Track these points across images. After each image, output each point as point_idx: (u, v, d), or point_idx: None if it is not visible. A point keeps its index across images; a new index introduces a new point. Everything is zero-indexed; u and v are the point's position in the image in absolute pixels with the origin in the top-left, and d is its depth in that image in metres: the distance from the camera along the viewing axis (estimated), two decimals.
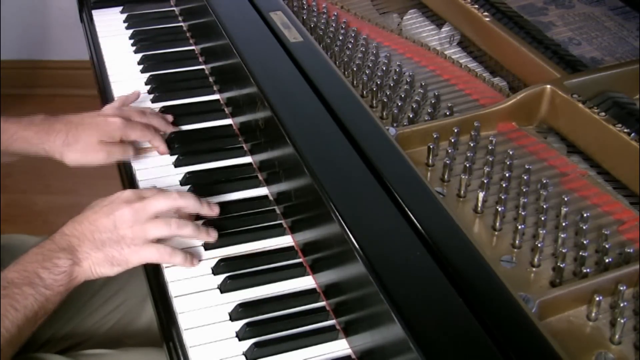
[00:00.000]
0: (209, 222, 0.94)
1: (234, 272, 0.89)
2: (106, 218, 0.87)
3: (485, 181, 0.86)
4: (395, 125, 0.96)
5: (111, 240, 0.86)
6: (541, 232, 0.80)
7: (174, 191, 0.92)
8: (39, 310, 0.82)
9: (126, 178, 1.08)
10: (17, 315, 0.80)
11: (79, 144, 1.04)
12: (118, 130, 1.05)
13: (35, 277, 0.82)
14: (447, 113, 0.98)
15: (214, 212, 0.93)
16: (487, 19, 1.12)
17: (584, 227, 0.80)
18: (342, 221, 0.76)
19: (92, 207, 0.91)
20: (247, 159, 1.08)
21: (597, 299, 0.72)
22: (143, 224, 0.87)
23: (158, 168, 1.06)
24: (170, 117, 1.13)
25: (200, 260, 0.91)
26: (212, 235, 0.92)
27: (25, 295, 0.81)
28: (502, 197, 0.84)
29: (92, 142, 1.04)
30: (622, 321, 0.70)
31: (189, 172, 1.04)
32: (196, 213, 0.93)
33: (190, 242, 0.93)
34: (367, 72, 1.07)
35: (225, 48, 1.09)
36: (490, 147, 0.92)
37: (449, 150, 0.91)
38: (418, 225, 0.75)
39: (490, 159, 0.90)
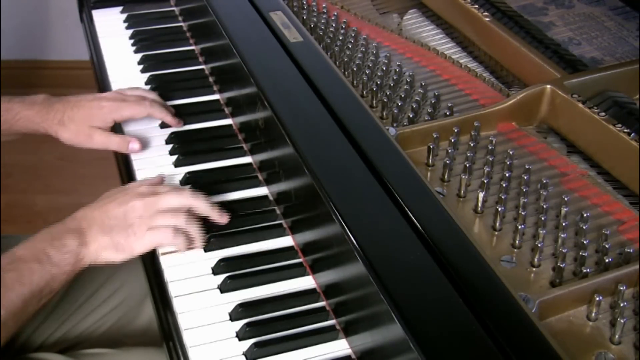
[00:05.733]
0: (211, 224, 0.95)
1: (234, 272, 0.89)
2: (118, 207, 0.90)
3: (485, 181, 0.86)
4: (395, 125, 0.96)
5: (119, 227, 0.88)
6: (541, 232, 0.80)
7: (187, 190, 0.94)
8: (45, 286, 0.84)
9: (126, 178, 1.08)
10: (23, 289, 0.82)
11: (72, 125, 1.07)
12: (109, 114, 1.08)
13: (43, 255, 0.84)
14: (447, 113, 0.98)
15: (223, 220, 0.94)
16: (487, 19, 1.12)
17: (584, 227, 0.80)
18: (342, 221, 0.76)
19: (108, 196, 0.93)
20: (247, 159, 1.08)
21: (597, 299, 0.72)
22: (151, 215, 0.89)
23: (158, 168, 1.06)
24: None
25: (206, 239, 0.92)
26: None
27: (32, 271, 0.83)
28: (502, 197, 0.84)
29: (84, 126, 1.07)
30: (622, 321, 0.70)
31: (189, 172, 1.04)
32: (206, 215, 0.94)
33: None
34: (367, 72, 1.07)
35: (225, 48, 1.09)
36: (490, 147, 0.92)
37: (449, 150, 0.91)
38: (418, 225, 0.75)
39: (490, 159, 0.90)
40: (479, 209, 0.85)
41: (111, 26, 1.40)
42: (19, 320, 0.83)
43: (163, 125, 1.14)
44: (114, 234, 0.88)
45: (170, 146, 1.10)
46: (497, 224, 0.83)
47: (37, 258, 0.84)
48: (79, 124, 1.07)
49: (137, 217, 0.89)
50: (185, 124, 1.15)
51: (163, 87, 1.22)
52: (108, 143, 1.08)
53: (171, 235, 0.89)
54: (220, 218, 0.94)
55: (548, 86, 0.96)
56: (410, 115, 0.98)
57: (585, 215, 0.82)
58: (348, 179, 0.82)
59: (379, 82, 1.03)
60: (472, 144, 0.92)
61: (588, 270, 0.76)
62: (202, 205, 0.93)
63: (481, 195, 0.84)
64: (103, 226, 0.88)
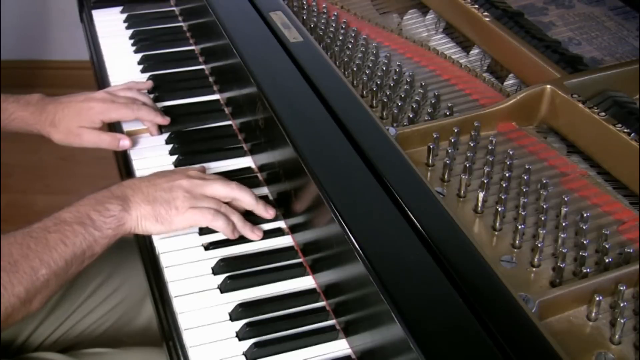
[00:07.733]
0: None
1: (234, 272, 0.89)
2: (165, 182, 0.92)
3: (485, 181, 0.86)
4: (395, 125, 0.96)
5: (162, 198, 0.91)
6: (541, 232, 0.80)
7: (234, 182, 0.95)
8: (87, 249, 0.86)
9: (126, 178, 1.08)
10: (66, 250, 0.84)
11: (62, 125, 1.09)
12: (98, 115, 1.09)
13: (87, 218, 0.87)
14: (447, 113, 0.98)
15: (268, 215, 0.95)
16: (487, 19, 1.12)
17: (584, 227, 0.80)
18: (342, 221, 0.76)
19: (158, 173, 0.96)
20: (247, 159, 1.08)
21: (597, 299, 0.72)
22: (196, 197, 0.91)
23: (158, 168, 1.06)
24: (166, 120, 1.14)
25: (260, 233, 0.94)
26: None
27: (75, 233, 0.85)
28: (502, 197, 0.84)
29: (73, 127, 1.09)
30: (622, 321, 0.70)
31: None
32: (251, 209, 0.95)
33: None
34: (367, 72, 1.07)
35: (225, 48, 1.09)
36: (490, 147, 0.92)
37: (449, 150, 0.91)
38: (418, 225, 0.75)
39: (490, 159, 0.90)
40: (479, 209, 0.85)
41: (111, 26, 1.40)
42: (61, 281, 0.85)
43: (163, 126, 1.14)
44: (156, 204, 0.90)
45: (170, 146, 1.10)
46: (497, 224, 0.83)
47: (81, 221, 0.86)
48: (68, 124, 1.09)
49: (182, 194, 0.91)
50: (185, 124, 1.15)
51: (163, 87, 1.22)
52: (99, 142, 1.09)
53: (211, 217, 0.91)
54: (266, 213, 0.95)
55: (548, 86, 0.96)
56: (410, 115, 0.98)
57: (585, 215, 0.82)
58: (348, 179, 0.82)
59: (379, 82, 1.03)
60: (472, 144, 0.92)
61: (588, 270, 0.76)
62: (248, 198, 0.94)
63: (481, 195, 0.84)
64: (147, 196, 0.90)
